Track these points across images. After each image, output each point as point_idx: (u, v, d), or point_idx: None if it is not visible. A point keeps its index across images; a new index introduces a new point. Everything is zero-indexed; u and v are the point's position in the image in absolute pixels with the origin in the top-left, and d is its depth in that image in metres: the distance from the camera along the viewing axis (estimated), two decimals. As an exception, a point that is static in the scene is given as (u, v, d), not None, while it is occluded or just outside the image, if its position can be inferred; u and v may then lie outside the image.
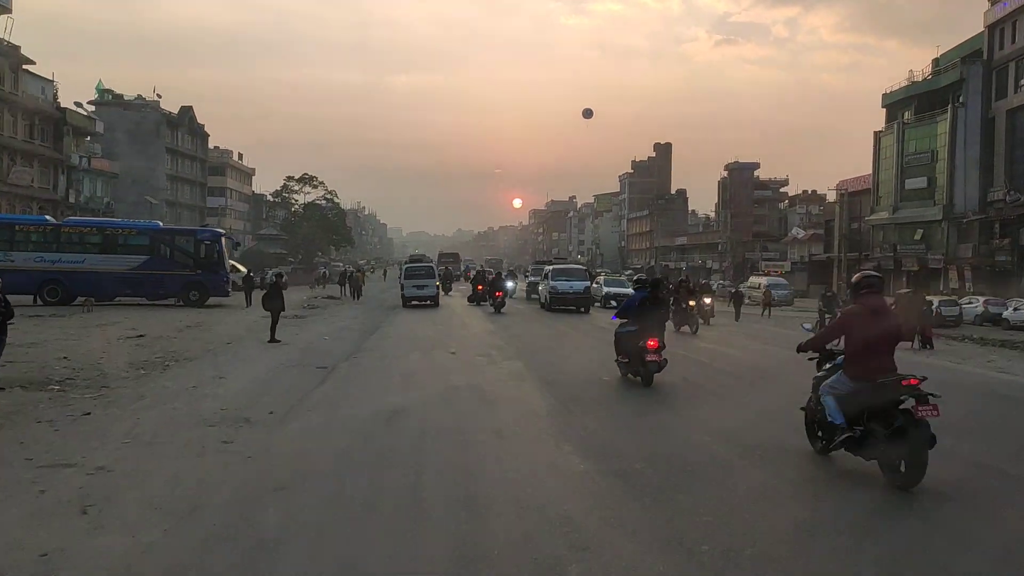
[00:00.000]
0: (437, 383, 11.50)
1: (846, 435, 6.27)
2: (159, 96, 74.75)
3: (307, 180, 78.60)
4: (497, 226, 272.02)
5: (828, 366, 6.89)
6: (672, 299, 19.89)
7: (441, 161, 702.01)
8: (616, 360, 11.86)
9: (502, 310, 27.76)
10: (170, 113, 74.59)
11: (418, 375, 12.42)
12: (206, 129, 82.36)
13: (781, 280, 52.07)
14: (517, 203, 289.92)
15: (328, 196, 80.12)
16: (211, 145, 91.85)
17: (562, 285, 29.11)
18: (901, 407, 5.97)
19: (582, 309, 28.64)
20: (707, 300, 25.47)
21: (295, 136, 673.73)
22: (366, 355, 14.86)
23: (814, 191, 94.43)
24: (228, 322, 21.69)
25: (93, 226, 28.69)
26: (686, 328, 21.74)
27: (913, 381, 5.95)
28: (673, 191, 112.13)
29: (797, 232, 70.82)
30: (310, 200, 79.45)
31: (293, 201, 78.96)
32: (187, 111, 77.84)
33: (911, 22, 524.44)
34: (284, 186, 78.62)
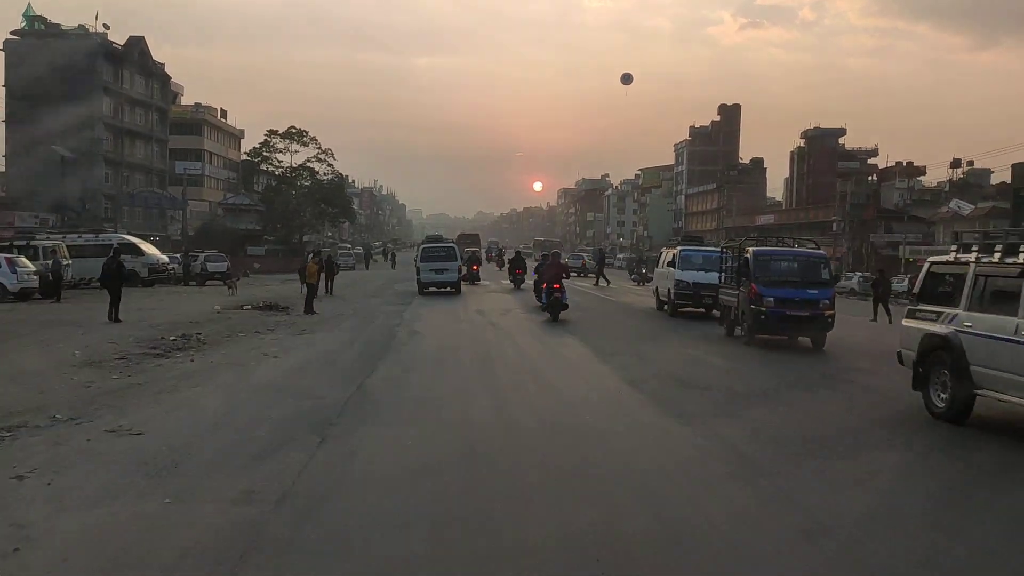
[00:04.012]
0: None
1: (543, 308, 18.64)
2: (106, 27, 56.39)
3: (294, 136, 60.03)
4: (521, 208, 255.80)
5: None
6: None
7: (462, 143, 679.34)
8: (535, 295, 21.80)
9: None
10: (112, 44, 56.05)
11: None
12: (168, 71, 63.69)
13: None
14: (538, 186, 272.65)
15: (323, 156, 61.44)
16: (191, 102, 73.96)
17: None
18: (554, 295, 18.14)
19: None
20: None
21: (312, 116, 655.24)
22: None
23: (910, 162, 76.29)
24: None
25: None
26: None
27: (556, 285, 18.05)
28: (746, 160, 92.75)
29: (958, 206, 51.47)
30: (300, 163, 61.04)
31: (277, 162, 60.50)
32: (137, 43, 59.05)
33: (945, 5, 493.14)
34: (265, 143, 60.05)
